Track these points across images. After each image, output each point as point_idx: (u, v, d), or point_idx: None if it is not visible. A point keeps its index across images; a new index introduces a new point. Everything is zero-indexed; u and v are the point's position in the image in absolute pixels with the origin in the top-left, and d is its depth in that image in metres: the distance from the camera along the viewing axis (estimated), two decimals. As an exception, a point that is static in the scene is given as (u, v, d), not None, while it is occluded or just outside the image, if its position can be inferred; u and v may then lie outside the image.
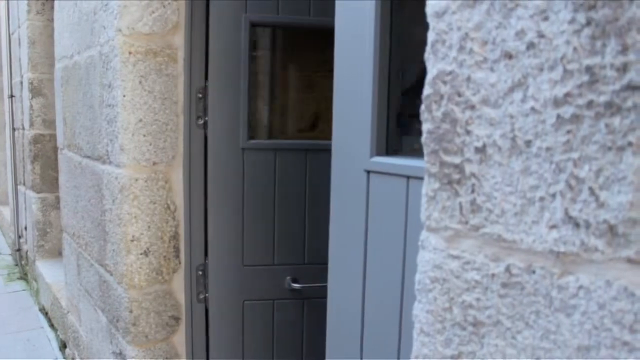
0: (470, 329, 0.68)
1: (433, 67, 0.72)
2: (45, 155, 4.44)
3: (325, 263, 1.32)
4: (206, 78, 2.13)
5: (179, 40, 2.10)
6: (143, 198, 2.03)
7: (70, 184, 2.93)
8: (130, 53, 2.02)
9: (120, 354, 2.25)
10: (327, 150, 1.78)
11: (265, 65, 2.37)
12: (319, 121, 2.65)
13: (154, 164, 2.05)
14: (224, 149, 2.12)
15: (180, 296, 2.17)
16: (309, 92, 2.73)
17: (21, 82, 4.82)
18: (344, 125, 1.23)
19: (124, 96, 2.00)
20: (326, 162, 1.74)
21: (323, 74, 2.74)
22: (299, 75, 2.65)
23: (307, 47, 2.60)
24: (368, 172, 1.18)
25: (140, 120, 2.02)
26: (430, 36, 0.72)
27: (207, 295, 2.16)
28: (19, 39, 4.95)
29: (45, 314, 4.15)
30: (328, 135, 2.00)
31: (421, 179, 1.08)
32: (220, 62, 2.10)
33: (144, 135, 2.03)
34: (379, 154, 1.17)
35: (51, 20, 4.62)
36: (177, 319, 2.19)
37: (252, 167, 2.17)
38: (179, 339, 2.22)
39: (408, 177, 1.09)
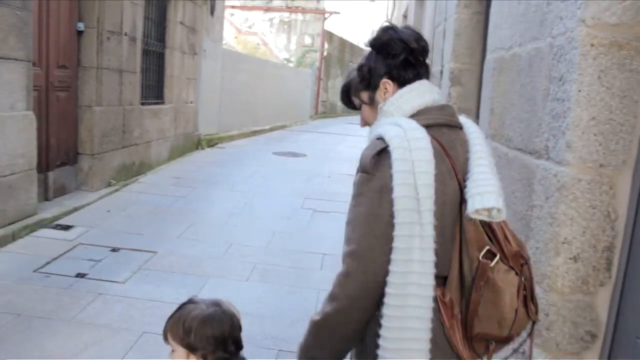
0: None
1: None
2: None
3: None
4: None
5: (650, 31, 1.87)
6: (582, 201, 1.90)
7: (486, 173, 2.99)
8: (592, 45, 1.89)
9: (524, 353, 2.20)
10: None
11: None
12: None
13: (601, 166, 1.89)
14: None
15: (603, 313, 1.98)
16: None
17: (441, 72, 5.18)
18: None
19: (579, 91, 1.89)
20: None
21: None
22: None
23: None
24: None
25: (593, 118, 1.87)
26: None
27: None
28: (444, 31, 5.31)
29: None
30: None
31: None
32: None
33: (595, 135, 1.88)
34: None
35: (477, 13, 4.82)
36: (593, 336, 2.01)
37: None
38: (591, 358, 2.04)
39: None
